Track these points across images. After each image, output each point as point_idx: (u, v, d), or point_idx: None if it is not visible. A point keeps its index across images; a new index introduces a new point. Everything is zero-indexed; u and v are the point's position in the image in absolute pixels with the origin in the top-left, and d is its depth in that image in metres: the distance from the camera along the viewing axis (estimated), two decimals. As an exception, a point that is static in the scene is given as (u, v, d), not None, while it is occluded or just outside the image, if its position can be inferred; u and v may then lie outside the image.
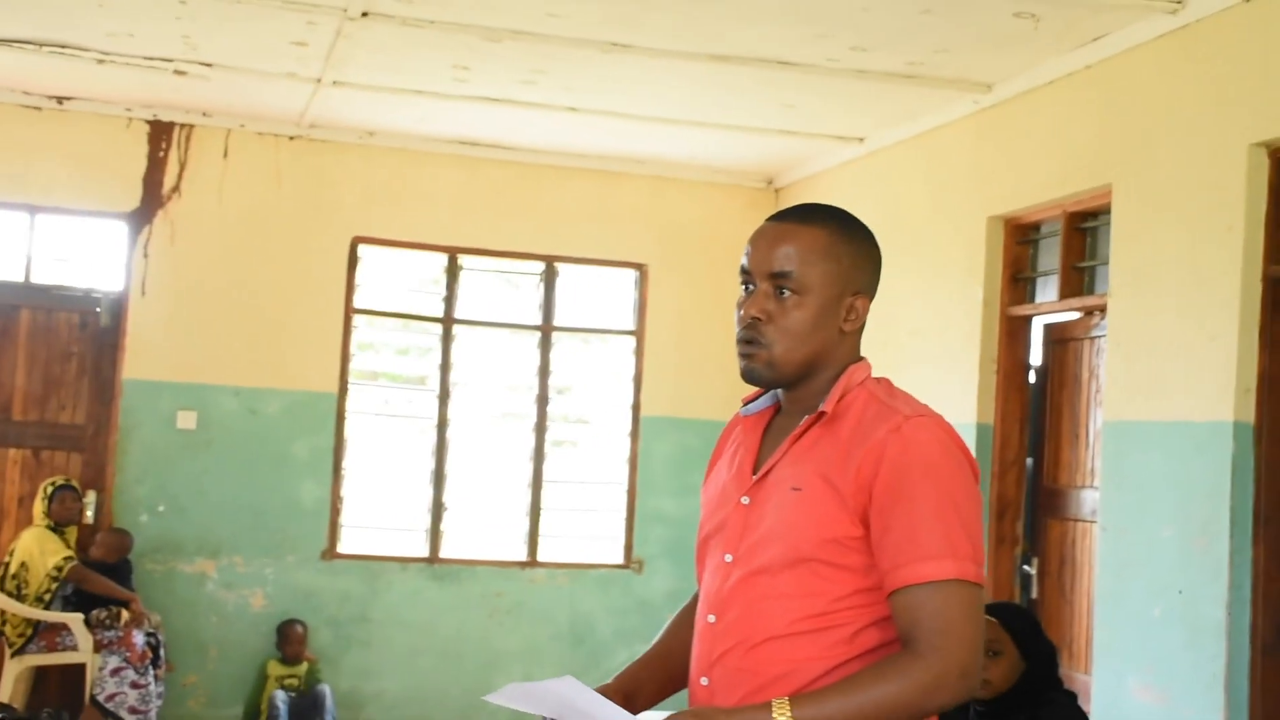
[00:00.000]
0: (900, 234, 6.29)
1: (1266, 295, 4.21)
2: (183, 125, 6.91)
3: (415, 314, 7.39)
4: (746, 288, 1.95)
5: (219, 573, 6.90)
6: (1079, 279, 5.23)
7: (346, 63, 5.73)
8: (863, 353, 2.00)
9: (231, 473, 6.93)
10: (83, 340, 6.85)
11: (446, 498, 7.29)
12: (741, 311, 1.93)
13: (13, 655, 6.17)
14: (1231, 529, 4.19)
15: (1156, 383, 4.54)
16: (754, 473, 1.96)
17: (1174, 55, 4.58)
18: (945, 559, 1.77)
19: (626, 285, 7.64)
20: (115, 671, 6.10)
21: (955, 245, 5.82)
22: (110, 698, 6.06)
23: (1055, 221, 5.35)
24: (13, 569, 6.19)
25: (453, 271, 7.34)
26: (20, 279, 6.81)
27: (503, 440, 7.51)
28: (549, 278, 7.49)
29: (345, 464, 7.16)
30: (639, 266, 7.59)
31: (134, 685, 6.12)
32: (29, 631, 6.17)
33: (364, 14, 5.04)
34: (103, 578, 6.30)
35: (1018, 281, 5.60)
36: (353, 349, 7.20)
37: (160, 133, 6.90)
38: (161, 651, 6.33)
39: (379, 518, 7.32)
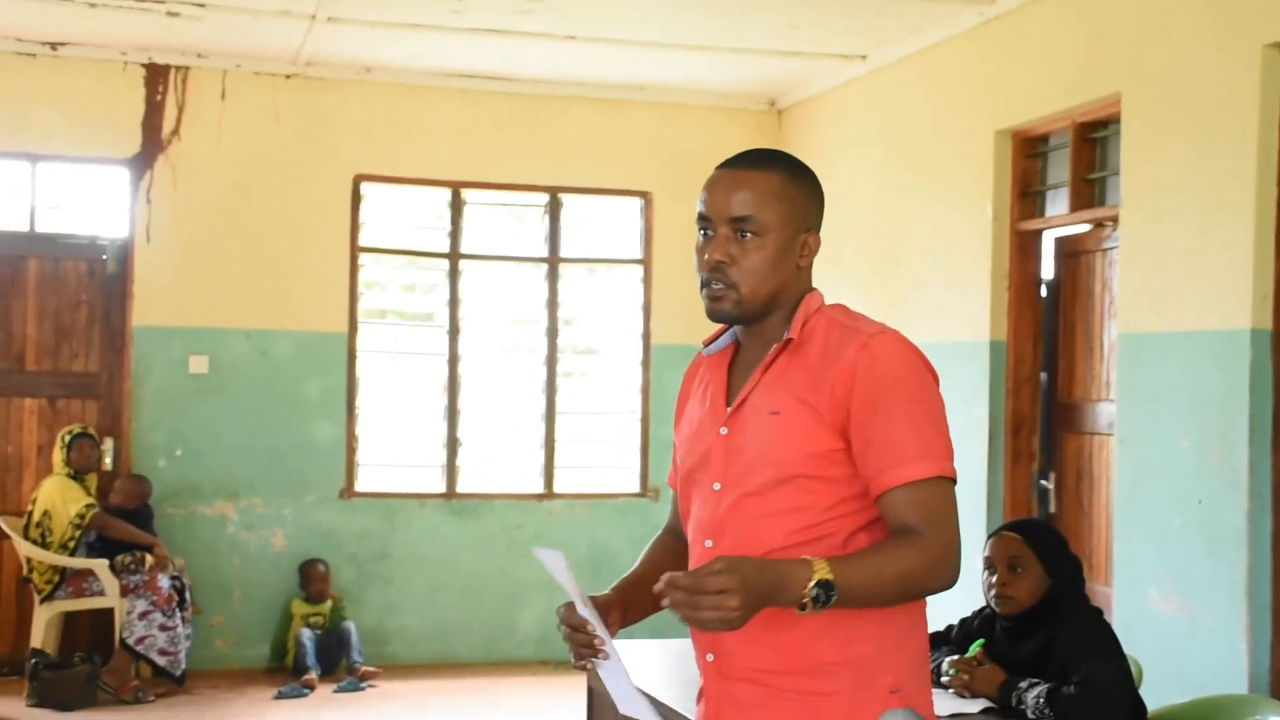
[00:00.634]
0: (906, 152, 6.23)
1: (1282, 200, 4.14)
2: (178, 68, 6.82)
3: (421, 250, 7.36)
4: (705, 233, 2.06)
5: (239, 514, 6.93)
6: (1089, 191, 5.17)
7: (341, -2, 5.63)
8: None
9: (245, 415, 6.93)
10: (91, 288, 6.81)
11: (461, 433, 7.29)
12: (705, 256, 2.03)
13: (41, 602, 6.21)
14: (1250, 436, 4.16)
15: (1171, 293, 4.50)
16: (728, 405, 2.06)
17: (1183, -42, 4.47)
18: (925, 460, 1.91)
19: (632, 214, 7.59)
20: (143, 615, 6.14)
21: (963, 161, 5.75)
22: (140, 640, 6.11)
23: (1064, 133, 5.28)
24: (36, 518, 6.22)
25: (457, 206, 7.29)
26: (25, 228, 6.76)
27: (513, 374, 7.50)
28: (553, 209, 7.44)
29: (358, 403, 7.16)
30: (644, 195, 7.53)
31: (162, 628, 6.16)
32: (56, 579, 6.21)
33: (357, -53, 4.94)
34: (125, 524, 6.33)
35: (1027, 196, 5.55)
36: (360, 287, 7.18)
37: (156, 76, 6.81)
38: (187, 594, 6.37)
39: (395, 455, 7.33)
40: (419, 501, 7.20)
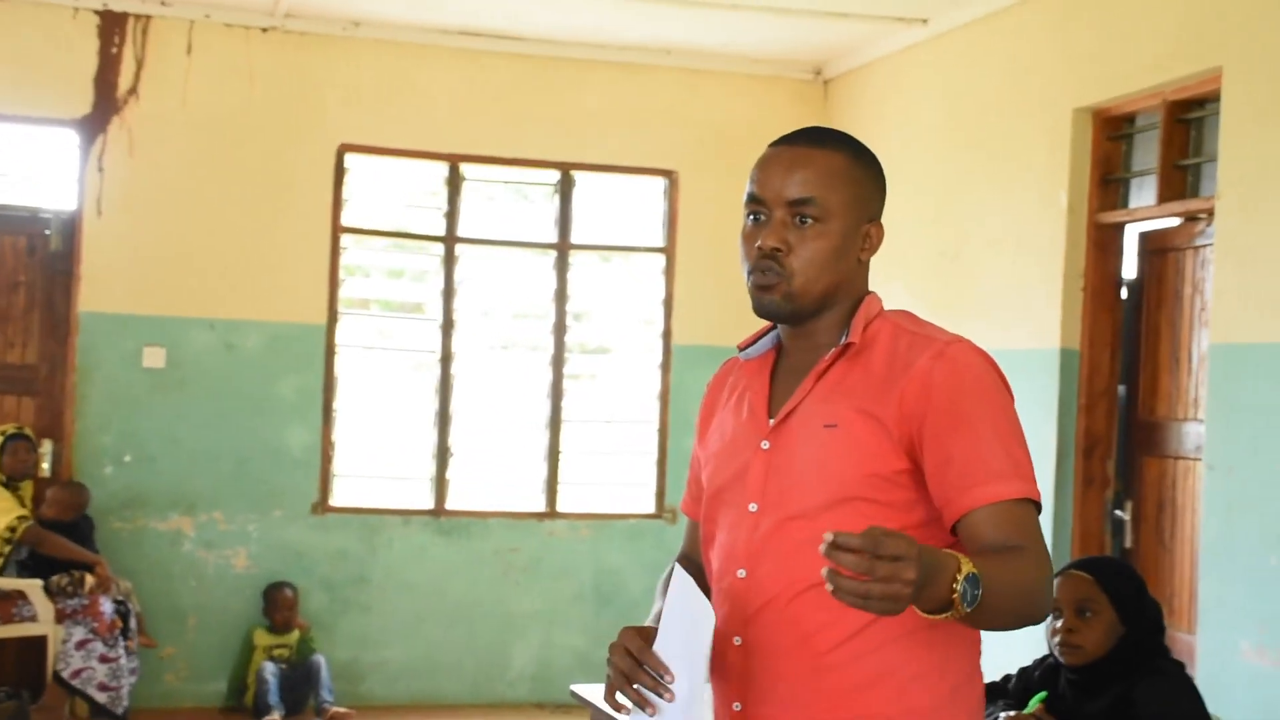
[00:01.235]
0: (972, 131, 6.22)
1: (1404, 194, 4.11)
2: (138, 16, 6.83)
3: (412, 232, 7.37)
4: (755, 217, 2.06)
5: (196, 531, 6.93)
6: (1180, 179, 5.16)
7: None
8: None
9: (207, 417, 6.93)
10: (31, 268, 6.83)
11: (452, 442, 7.30)
12: (758, 243, 2.03)
13: (-37, 628, 6.21)
14: (1361, 467, 4.12)
15: (1272, 298, 4.48)
16: (770, 416, 2.06)
17: (1295, -88, 4.45)
18: (1015, 479, 1.92)
19: (654, 195, 7.59)
20: (81, 644, 6.13)
21: (1036, 143, 5.74)
22: (76, 674, 6.10)
23: (1153, 113, 5.27)
24: (-40, 530, 6.22)
25: (454, 183, 7.29)
26: (-43, 199, 6.79)
27: (514, 375, 7.49)
28: (565, 188, 7.44)
29: (336, 405, 7.16)
30: (668, 174, 7.53)
31: (103, 659, 6.15)
32: (-20, 601, 6.21)
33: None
34: (63, 540, 6.32)
35: (1108, 184, 5.53)
36: (342, 274, 7.18)
37: (112, 25, 6.81)
38: (133, 621, 6.37)
39: (376, 465, 7.34)
40: (403, 519, 7.20)
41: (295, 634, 6.86)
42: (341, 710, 6.71)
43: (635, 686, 1.94)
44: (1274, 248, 4.48)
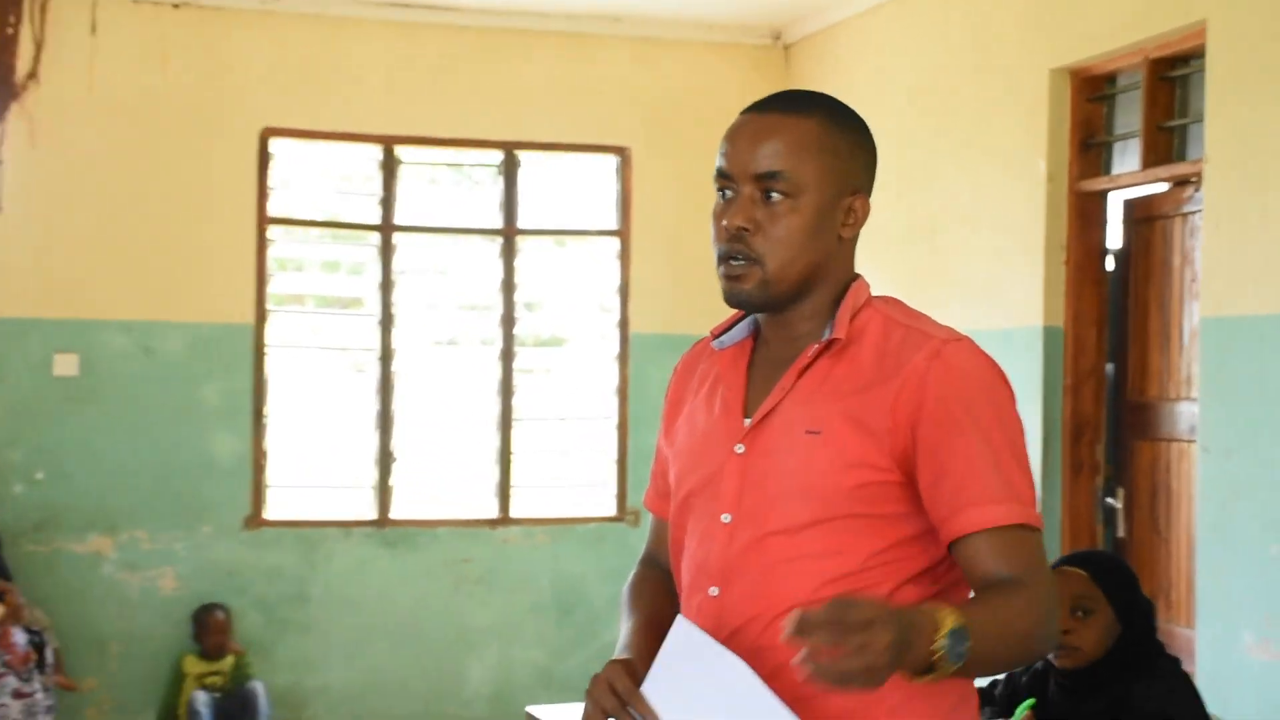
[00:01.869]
0: (942, 98, 6.24)
1: (1403, 151, 4.14)
2: (38, -7, 6.79)
3: (345, 222, 7.37)
4: (724, 193, 2.01)
5: (118, 552, 6.89)
6: (1166, 142, 5.18)
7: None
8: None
9: (126, 428, 6.90)
10: (-71, 271, 6.76)
11: (395, 446, 7.28)
12: (724, 222, 1.98)
13: None
14: (1365, 444, 4.15)
15: (1266, 266, 4.50)
16: (745, 415, 2.02)
17: None
18: (1009, 503, 1.89)
19: (606, 175, 7.59)
20: (-8, 679, 6.10)
21: (1010, 107, 5.76)
22: (-11, 711, 6.07)
23: (1135, 71, 5.28)
24: None
25: (389, 167, 7.28)
26: None
27: (461, 372, 7.50)
28: (509, 169, 7.43)
29: (268, 410, 7.14)
30: (620, 151, 7.53)
31: (16, 695, 6.10)
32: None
33: None
34: (-33, 566, 6.28)
35: (1089, 149, 5.55)
36: (270, 268, 7.16)
37: (7, 4, 6.75)
38: (49, 654, 6.31)
39: (313, 474, 7.34)
40: (344, 531, 7.19)
41: (229, 660, 6.83)
42: (283, 740, 6.69)
43: None
44: (1267, 212, 4.50)
